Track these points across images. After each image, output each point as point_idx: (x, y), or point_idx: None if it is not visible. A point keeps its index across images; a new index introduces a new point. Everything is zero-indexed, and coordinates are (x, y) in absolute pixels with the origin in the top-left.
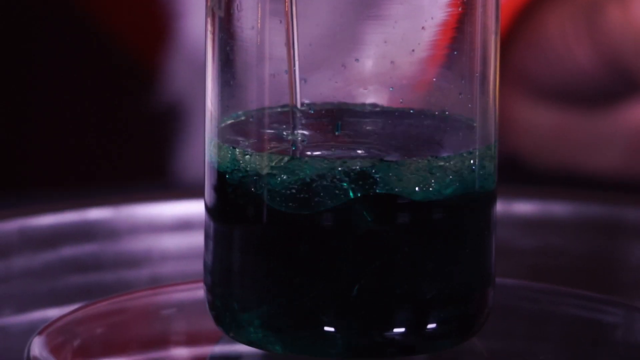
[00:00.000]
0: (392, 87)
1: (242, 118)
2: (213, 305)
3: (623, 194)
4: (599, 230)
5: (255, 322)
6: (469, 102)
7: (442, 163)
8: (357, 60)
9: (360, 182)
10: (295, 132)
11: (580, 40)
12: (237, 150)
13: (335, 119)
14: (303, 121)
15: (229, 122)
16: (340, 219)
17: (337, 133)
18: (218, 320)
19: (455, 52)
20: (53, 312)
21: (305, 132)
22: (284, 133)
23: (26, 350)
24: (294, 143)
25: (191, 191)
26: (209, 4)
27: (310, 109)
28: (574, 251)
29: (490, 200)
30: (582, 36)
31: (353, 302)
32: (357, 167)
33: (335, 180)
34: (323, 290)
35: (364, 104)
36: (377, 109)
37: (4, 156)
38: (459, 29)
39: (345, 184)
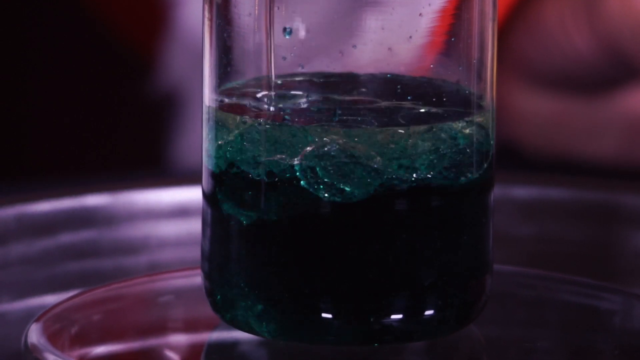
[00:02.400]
0: (389, 74)
1: (237, 96)
2: (210, 292)
3: (621, 180)
4: (596, 216)
5: (253, 308)
6: (466, 101)
7: (437, 139)
8: (354, 46)
9: (361, 156)
10: (293, 102)
11: (579, 26)
12: (234, 129)
13: (336, 88)
14: (301, 92)
15: (226, 98)
16: (339, 201)
17: (334, 119)
18: (215, 306)
19: (452, 39)
20: (50, 299)
21: (304, 103)
22: (280, 105)
23: (24, 337)
24: (290, 113)
25: (189, 178)
26: None
27: (317, 78)
28: (571, 238)
29: (488, 187)
30: (580, 23)
31: (350, 288)
32: (356, 139)
33: (332, 154)
34: (320, 277)
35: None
36: (375, 79)
37: (1, 143)
38: (457, 16)
39: (345, 159)
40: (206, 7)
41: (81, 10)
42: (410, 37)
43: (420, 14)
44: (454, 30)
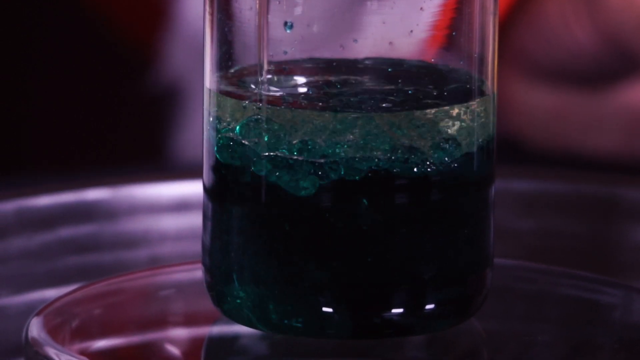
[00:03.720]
0: (390, 71)
1: (239, 83)
2: (211, 286)
3: (621, 174)
4: (597, 210)
5: (253, 302)
6: (467, 85)
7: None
8: (355, 41)
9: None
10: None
11: (579, 19)
12: (235, 118)
13: (338, 73)
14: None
15: (227, 89)
16: (339, 193)
17: (333, 103)
18: (216, 300)
19: (453, 33)
20: (51, 293)
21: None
22: (282, 89)
23: (24, 331)
24: (291, 97)
25: (189, 172)
26: None
27: (312, 64)
28: (572, 232)
29: (489, 180)
30: (581, 16)
31: (351, 282)
32: (355, 125)
33: (331, 140)
34: (321, 270)
35: (360, 60)
36: (373, 64)
37: (1, 137)
38: (458, 10)
39: (342, 147)
40: (207, 1)
41: (82, 6)
42: (411, 31)
43: (421, 8)
44: (455, 24)
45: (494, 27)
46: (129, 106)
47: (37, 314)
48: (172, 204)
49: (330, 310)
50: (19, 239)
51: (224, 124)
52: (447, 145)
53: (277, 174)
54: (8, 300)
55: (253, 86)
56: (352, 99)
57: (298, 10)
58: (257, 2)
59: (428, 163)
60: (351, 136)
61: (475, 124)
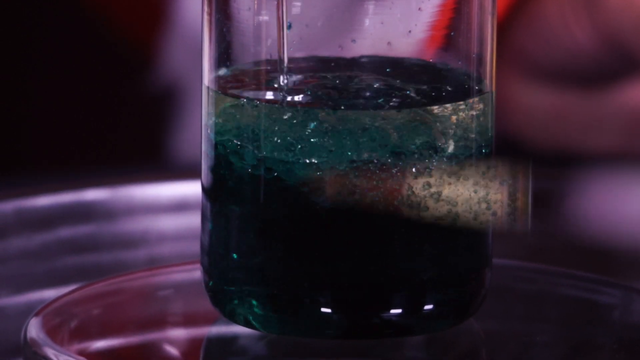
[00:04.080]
0: (388, 69)
1: (237, 83)
2: (210, 286)
3: (621, 174)
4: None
5: (252, 302)
6: (465, 83)
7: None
8: (353, 41)
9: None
10: (286, 85)
11: (579, 20)
12: (234, 119)
13: (331, 72)
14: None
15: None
16: (338, 193)
17: (334, 113)
18: (215, 301)
19: (452, 33)
20: (50, 293)
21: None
22: (279, 90)
23: (23, 332)
24: (285, 96)
25: (188, 172)
26: None
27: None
28: (571, 232)
29: None
30: (581, 16)
31: (350, 282)
32: (350, 123)
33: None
34: (320, 271)
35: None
36: (370, 62)
37: (1, 137)
38: (456, 10)
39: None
40: (205, 1)
41: (82, 6)
42: (410, 31)
43: (419, 8)
44: (454, 24)
45: (492, 26)
46: (129, 106)
47: (36, 314)
48: (170, 204)
49: (329, 310)
50: (18, 239)
51: (222, 123)
52: (445, 145)
53: (276, 173)
54: (7, 300)
55: (252, 85)
56: (351, 98)
57: (297, 10)
58: (256, 3)
59: (427, 162)
60: (350, 135)
61: (474, 123)
